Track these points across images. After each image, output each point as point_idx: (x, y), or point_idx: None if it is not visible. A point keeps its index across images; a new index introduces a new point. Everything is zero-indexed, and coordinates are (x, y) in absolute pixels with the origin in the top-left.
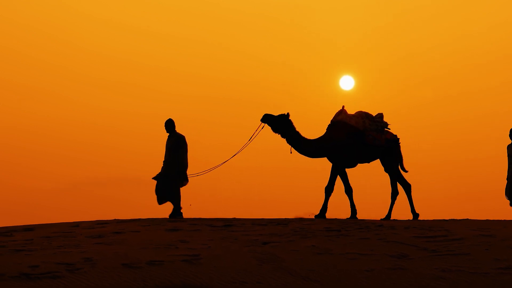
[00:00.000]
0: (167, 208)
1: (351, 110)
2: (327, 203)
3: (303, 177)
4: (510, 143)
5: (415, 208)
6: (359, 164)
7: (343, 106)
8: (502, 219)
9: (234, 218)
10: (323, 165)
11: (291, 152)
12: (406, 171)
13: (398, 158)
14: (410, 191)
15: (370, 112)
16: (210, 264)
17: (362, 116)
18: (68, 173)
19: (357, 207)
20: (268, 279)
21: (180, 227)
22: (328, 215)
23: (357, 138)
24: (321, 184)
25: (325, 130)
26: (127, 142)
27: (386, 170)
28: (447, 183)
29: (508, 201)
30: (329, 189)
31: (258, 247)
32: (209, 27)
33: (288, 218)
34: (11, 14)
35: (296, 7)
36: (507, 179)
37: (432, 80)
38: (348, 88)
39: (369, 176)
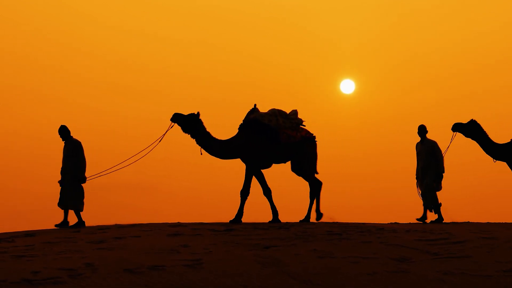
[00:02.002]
0: (168, 212)
1: (351, 113)
2: (243, 207)
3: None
4: (419, 140)
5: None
6: (358, 167)
7: (255, 105)
8: (504, 222)
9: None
10: (325, 169)
11: (201, 154)
12: (317, 173)
13: (314, 157)
14: (320, 191)
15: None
16: (212, 269)
17: (276, 113)
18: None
19: (357, 211)
20: (270, 283)
21: (181, 232)
22: (329, 219)
23: (271, 137)
24: (324, 187)
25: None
26: (128, 146)
27: (294, 169)
28: (448, 185)
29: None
30: (244, 193)
31: (260, 251)
32: (210, 29)
33: (290, 222)
34: (11, 15)
35: (297, 10)
36: (416, 177)
37: (432, 84)
38: (348, 91)
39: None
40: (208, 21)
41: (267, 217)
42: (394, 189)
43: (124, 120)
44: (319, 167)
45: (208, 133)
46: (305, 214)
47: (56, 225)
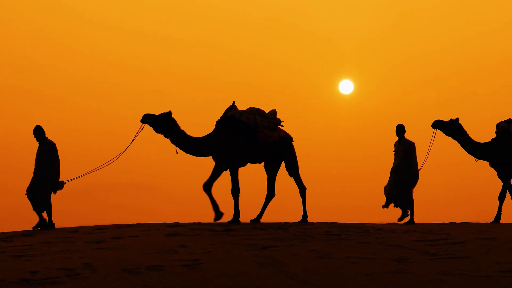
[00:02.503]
0: (166, 212)
1: (350, 114)
2: (238, 205)
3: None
4: (397, 140)
5: (263, 211)
6: (357, 167)
7: (234, 102)
8: (502, 222)
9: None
10: (324, 170)
11: (177, 153)
12: (290, 176)
13: (293, 158)
14: (305, 193)
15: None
16: (211, 269)
17: (254, 112)
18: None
19: (355, 211)
20: (268, 283)
21: (180, 232)
22: (328, 219)
23: (248, 136)
24: (323, 187)
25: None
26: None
27: (268, 171)
28: (447, 186)
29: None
30: (235, 191)
31: (259, 251)
32: (209, 29)
33: (288, 222)
34: (11, 15)
35: (296, 10)
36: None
37: (432, 84)
38: (347, 92)
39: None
40: (208, 21)
41: (268, 217)
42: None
43: (124, 120)
44: (308, 168)
45: (183, 131)
46: (302, 215)
47: (34, 227)
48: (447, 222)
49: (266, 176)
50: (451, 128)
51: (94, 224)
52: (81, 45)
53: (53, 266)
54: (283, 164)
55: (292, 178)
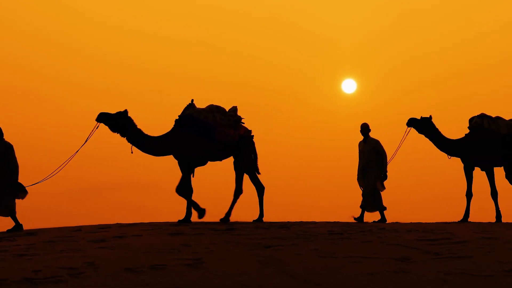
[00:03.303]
0: (169, 211)
1: (353, 113)
2: (191, 204)
3: (305, 180)
4: (362, 139)
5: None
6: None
7: (192, 100)
8: (505, 222)
9: (237, 221)
10: (327, 169)
11: (132, 152)
12: (259, 173)
13: (252, 156)
14: (263, 194)
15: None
16: (213, 268)
17: (213, 110)
18: (70, 178)
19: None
20: (271, 282)
21: (182, 231)
22: (331, 218)
23: (206, 134)
24: (326, 186)
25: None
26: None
27: (236, 168)
28: (449, 185)
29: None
30: (187, 190)
31: (261, 251)
32: (210, 29)
33: (290, 222)
34: (11, 15)
35: (298, 10)
36: (357, 178)
37: (434, 83)
38: (350, 91)
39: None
40: (208, 21)
41: (270, 216)
42: (395, 188)
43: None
44: (311, 167)
45: (140, 130)
46: (258, 214)
47: (8, 231)
48: (450, 221)
49: (299, 177)
50: (424, 126)
51: (97, 223)
52: (81, 45)
53: (56, 265)
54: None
55: (247, 175)
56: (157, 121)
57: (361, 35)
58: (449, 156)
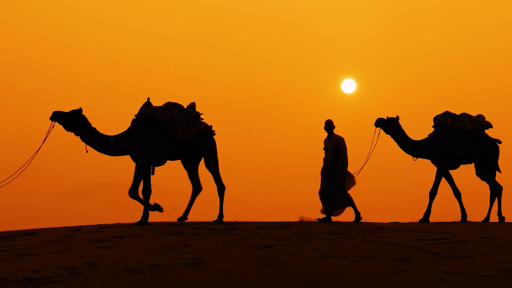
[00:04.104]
0: (168, 211)
1: (353, 113)
2: (148, 206)
3: (305, 180)
4: (326, 136)
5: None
6: (359, 166)
7: (148, 98)
8: (505, 222)
9: (236, 221)
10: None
11: (87, 151)
12: (210, 172)
13: (214, 152)
14: (224, 192)
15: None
16: (213, 268)
17: (170, 107)
18: (70, 178)
19: (360, 210)
20: (270, 282)
21: (182, 231)
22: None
23: (164, 132)
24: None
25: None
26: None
27: (188, 167)
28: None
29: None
30: (146, 192)
31: (261, 251)
32: (210, 29)
33: (290, 221)
34: (11, 14)
35: (298, 10)
36: (321, 174)
37: (435, 83)
38: (349, 91)
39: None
40: (208, 21)
41: (269, 216)
42: (395, 188)
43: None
44: (311, 167)
45: (94, 128)
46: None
47: None
48: (449, 221)
49: (187, 173)
50: (390, 126)
51: (96, 223)
52: (82, 45)
53: (56, 265)
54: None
55: (211, 174)
56: None
57: (361, 35)
58: (415, 158)
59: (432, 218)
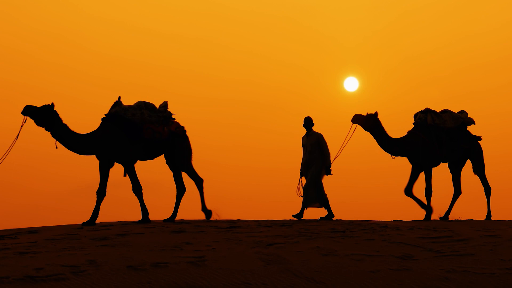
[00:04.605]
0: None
1: (355, 111)
2: (99, 207)
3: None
4: (305, 133)
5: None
6: (362, 164)
7: (119, 97)
8: (507, 219)
9: (239, 219)
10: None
11: (56, 147)
12: (182, 171)
13: (187, 152)
14: (202, 186)
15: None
16: (215, 266)
17: (141, 107)
18: (72, 176)
19: (360, 209)
20: (273, 280)
21: (184, 229)
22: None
23: (133, 132)
24: (328, 184)
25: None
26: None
27: (173, 166)
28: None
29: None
30: (101, 193)
31: (263, 249)
32: (214, 27)
33: (292, 219)
34: (12, 13)
35: (301, 8)
36: (300, 172)
37: (437, 81)
38: (352, 89)
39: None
40: (212, 19)
41: (270, 215)
42: (397, 186)
43: None
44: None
45: (65, 125)
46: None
47: None
48: (452, 219)
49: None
50: (369, 123)
51: (99, 221)
52: (84, 43)
53: (58, 263)
54: None
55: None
56: None
57: (363, 33)
58: (393, 157)
59: (435, 216)
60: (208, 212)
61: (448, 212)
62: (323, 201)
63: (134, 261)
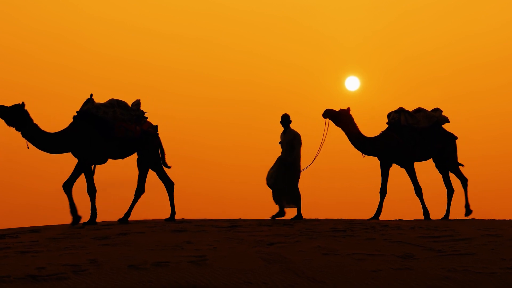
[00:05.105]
0: (169, 210)
1: (356, 110)
2: (95, 205)
3: (308, 177)
4: (283, 130)
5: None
6: (363, 163)
7: (91, 95)
8: (508, 219)
9: (240, 218)
10: (330, 166)
11: (28, 147)
12: (168, 167)
13: (158, 152)
14: (173, 189)
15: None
16: (216, 265)
17: (113, 104)
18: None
19: (361, 208)
20: (274, 279)
21: (185, 228)
22: (334, 215)
23: (105, 131)
24: (329, 184)
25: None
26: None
27: (139, 165)
28: (452, 182)
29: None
30: (91, 191)
31: (264, 248)
32: (214, 27)
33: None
34: (14, 14)
35: (301, 8)
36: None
37: (438, 81)
38: (353, 89)
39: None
40: (212, 19)
41: (270, 214)
42: (398, 186)
43: None
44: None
45: (36, 125)
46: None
47: None
48: (453, 218)
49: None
50: (340, 118)
51: (100, 220)
52: (84, 43)
53: (59, 262)
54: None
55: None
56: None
57: (364, 32)
58: (363, 155)
59: (435, 216)
60: (172, 216)
61: (447, 212)
62: (297, 203)
63: (135, 260)
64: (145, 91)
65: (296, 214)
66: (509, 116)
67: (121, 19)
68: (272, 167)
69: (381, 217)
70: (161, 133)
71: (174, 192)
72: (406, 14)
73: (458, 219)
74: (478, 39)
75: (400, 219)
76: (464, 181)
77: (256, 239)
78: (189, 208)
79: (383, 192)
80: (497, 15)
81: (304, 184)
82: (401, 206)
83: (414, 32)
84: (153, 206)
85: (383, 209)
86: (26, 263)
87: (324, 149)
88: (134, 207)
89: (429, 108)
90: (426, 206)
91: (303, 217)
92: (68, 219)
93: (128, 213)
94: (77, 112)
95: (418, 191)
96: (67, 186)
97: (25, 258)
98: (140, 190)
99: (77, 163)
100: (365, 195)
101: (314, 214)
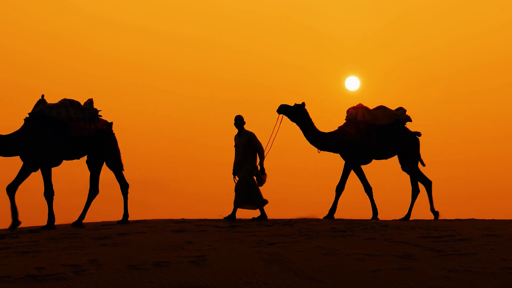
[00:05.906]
0: (172, 208)
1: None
2: (52, 208)
3: (308, 177)
4: (237, 132)
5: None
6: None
7: (43, 96)
8: (508, 219)
9: (240, 218)
10: (331, 166)
11: None
12: (123, 169)
13: (114, 150)
14: (127, 191)
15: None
16: (217, 265)
17: (66, 104)
18: (73, 175)
19: (361, 208)
20: (274, 279)
21: (185, 228)
22: (334, 215)
23: (59, 131)
24: (329, 184)
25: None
26: (132, 143)
27: (91, 165)
28: (452, 182)
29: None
30: (48, 194)
31: (264, 248)
32: (215, 27)
33: (293, 219)
34: (14, 14)
35: (301, 8)
36: (232, 172)
37: (438, 80)
38: (353, 88)
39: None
40: (212, 19)
41: (273, 214)
42: (398, 186)
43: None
44: (315, 164)
45: None
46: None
47: None
48: (453, 218)
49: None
50: (296, 113)
51: (100, 221)
52: (84, 43)
53: (59, 262)
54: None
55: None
56: (161, 120)
57: (364, 32)
58: (319, 151)
59: (415, 217)
60: (125, 218)
61: (408, 213)
62: (258, 202)
63: (135, 260)
64: (145, 91)
65: (260, 214)
66: (509, 116)
67: (121, 19)
68: (235, 173)
69: (381, 217)
70: (161, 133)
71: (128, 194)
72: (406, 14)
73: (458, 219)
74: (478, 39)
75: (399, 219)
76: (427, 184)
77: (256, 239)
78: (189, 208)
79: (368, 189)
80: (497, 15)
81: (304, 184)
82: (401, 206)
83: (414, 32)
84: (153, 206)
85: (383, 209)
86: (26, 263)
87: (323, 152)
88: (88, 209)
89: (428, 107)
90: (337, 205)
91: (268, 217)
92: (68, 219)
93: (82, 216)
94: (29, 113)
95: (368, 189)
96: (11, 190)
97: (25, 258)
98: (94, 191)
99: (22, 166)
100: (365, 195)
101: (314, 214)
